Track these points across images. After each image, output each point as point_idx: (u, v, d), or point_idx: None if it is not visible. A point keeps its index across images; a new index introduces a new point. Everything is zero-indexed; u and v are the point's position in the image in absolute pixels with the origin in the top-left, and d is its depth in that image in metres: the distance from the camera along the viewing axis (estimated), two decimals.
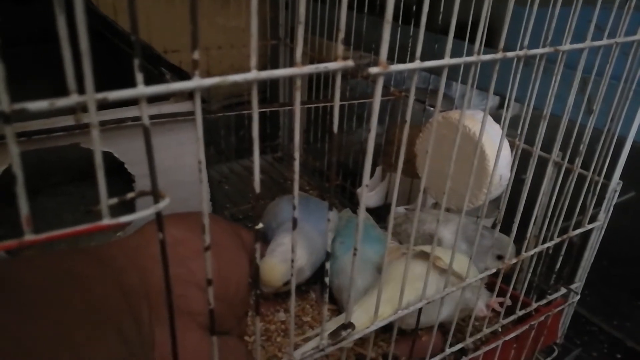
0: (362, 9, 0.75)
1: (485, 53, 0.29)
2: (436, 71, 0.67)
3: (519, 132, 0.41)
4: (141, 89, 0.19)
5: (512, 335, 0.48)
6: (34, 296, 0.25)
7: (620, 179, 0.50)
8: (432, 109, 0.71)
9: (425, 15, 0.26)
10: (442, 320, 0.45)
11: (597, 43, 0.37)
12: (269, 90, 1.01)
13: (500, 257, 0.52)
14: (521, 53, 0.32)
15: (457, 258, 0.37)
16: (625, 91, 0.44)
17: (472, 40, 0.59)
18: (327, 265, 0.29)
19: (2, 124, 0.16)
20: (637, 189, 1.00)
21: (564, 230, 0.49)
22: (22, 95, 0.16)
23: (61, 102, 0.17)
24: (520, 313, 0.49)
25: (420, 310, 0.39)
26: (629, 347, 0.66)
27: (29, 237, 0.18)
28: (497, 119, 0.54)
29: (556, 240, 0.48)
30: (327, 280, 0.29)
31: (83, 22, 0.16)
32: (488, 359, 0.48)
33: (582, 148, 0.45)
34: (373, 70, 0.24)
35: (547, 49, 0.33)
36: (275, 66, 0.96)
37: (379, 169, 0.80)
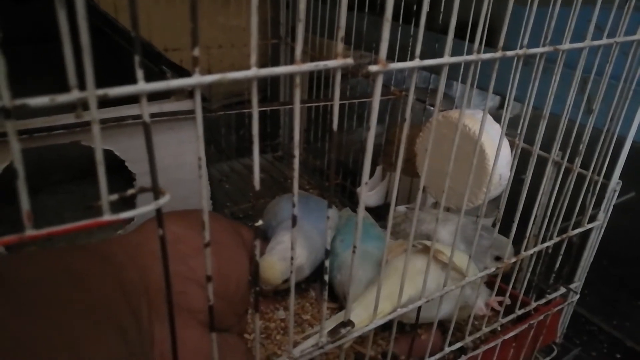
0: (363, 9, 0.75)
1: (485, 52, 0.29)
2: (436, 70, 0.67)
3: (518, 131, 0.41)
4: (141, 86, 0.19)
5: (511, 334, 0.49)
6: (33, 293, 0.25)
7: (620, 179, 0.50)
8: (432, 108, 0.71)
9: (425, 15, 0.26)
10: (442, 317, 0.45)
11: (596, 42, 0.37)
12: (270, 90, 1.01)
13: (498, 259, 0.52)
14: (521, 52, 0.32)
15: (457, 255, 0.38)
16: (625, 91, 0.44)
17: (472, 40, 0.59)
18: (327, 263, 0.29)
19: (3, 120, 0.16)
20: (637, 189, 1.00)
21: (563, 230, 0.49)
22: (21, 94, 0.17)
23: (62, 98, 0.17)
24: (519, 312, 0.49)
25: (419, 310, 0.39)
26: (628, 347, 0.66)
27: (30, 232, 0.18)
28: (497, 119, 0.54)
29: (555, 239, 0.48)
30: (326, 278, 0.29)
31: (84, 18, 0.16)
32: (487, 358, 0.48)
33: (582, 148, 0.45)
34: (372, 68, 0.24)
35: (546, 48, 0.33)
36: (276, 65, 0.96)
37: (379, 169, 0.80)
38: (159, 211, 0.21)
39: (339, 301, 0.57)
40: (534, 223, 0.45)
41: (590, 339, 0.67)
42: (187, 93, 0.56)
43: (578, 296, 0.56)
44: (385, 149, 0.79)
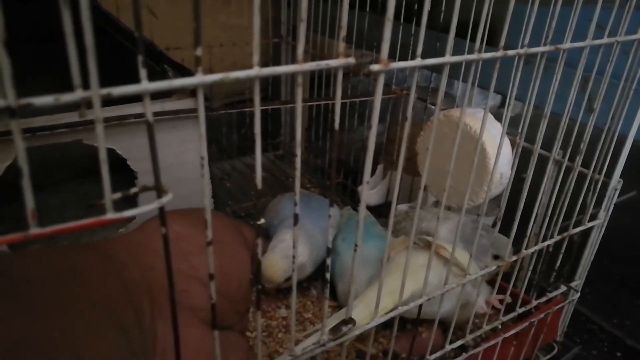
0: (364, 8, 0.75)
1: (486, 52, 0.30)
2: (438, 69, 0.68)
3: (519, 130, 0.41)
4: (144, 85, 0.19)
5: (511, 332, 0.49)
6: (35, 291, 0.25)
7: (621, 178, 0.50)
8: (433, 107, 0.71)
9: (426, 14, 0.26)
10: (443, 314, 0.45)
11: (597, 42, 0.37)
12: (271, 89, 1.01)
13: (497, 258, 0.52)
14: (522, 51, 0.32)
15: (458, 252, 0.38)
16: (626, 90, 0.44)
17: (473, 39, 0.59)
18: (328, 261, 0.29)
19: (7, 119, 0.16)
20: (638, 188, 1.00)
21: (564, 229, 0.49)
22: (23, 94, 0.17)
23: (66, 98, 0.17)
24: (520, 310, 0.49)
25: (420, 308, 0.39)
26: (629, 345, 0.66)
27: (34, 230, 0.18)
28: (498, 118, 0.54)
29: (556, 238, 0.48)
30: (327, 276, 0.29)
31: (88, 18, 0.16)
32: (488, 356, 0.48)
33: (583, 146, 0.45)
34: (374, 67, 0.25)
35: (547, 47, 0.33)
36: (277, 64, 0.96)
37: (380, 167, 0.80)
38: (161, 210, 0.22)
39: (339, 301, 0.57)
40: (534, 222, 0.45)
41: (590, 338, 0.67)
42: (189, 92, 0.56)
43: (579, 294, 0.56)
44: (386, 148, 0.79)
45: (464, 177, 0.50)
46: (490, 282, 0.48)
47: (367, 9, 0.75)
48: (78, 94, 0.17)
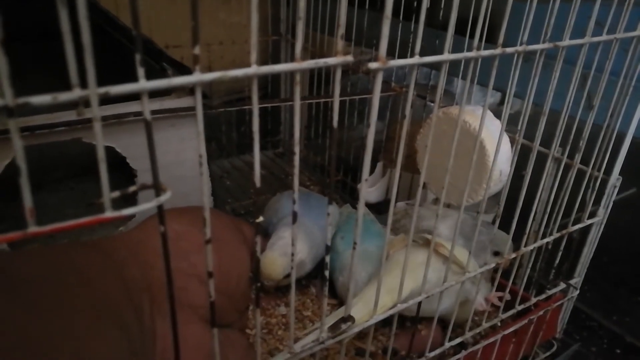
0: (363, 5, 0.75)
1: (485, 49, 0.30)
2: (437, 67, 0.68)
3: (519, 127, 0.41)
4: (143, 84, 0.19)
5: (511, 329, 0.49)
6: (35, 289, 0.25)
7: (620, 175, 0.50)
8: (432, 104, 0.71)
9: (424, 11, 0.26)
10: (442, 311, 0.45)
11: (596, 39, 0.37)
12: (270, 87, 1.01)
13: (497, 254, 0.52)
14: (520, 49, 0.32)
15: (457, 250, 0.38)
16: (625, 87, 0.44)
17: (472, 36, 0.59)
18: (327, 259, 0.29)
19: (5, 118, 0.16)
20: (638, 185, 1.00)
21: (563, 226, 0.49)
22: (21, 92, 0.17)
23: (64, 97, 0.17)
24: (519, 308, 0.49)
25: (419, 305, 0.39)
26: (628, 342, 0.66)
27: (33, 229, 0.18)
28: (498, 115, 0.54)
29: (555, 235, 0.48)
30: (326, 273, 0.30)
31: (85, 16, 0.16)
32: (487, 353, 0.48)
33: (582, 144, 0.45)
34: (372, 65, 0.25)
35: (546, 45, 0.33)
36: (276, 62, 0.96)
37: (379, 165, 0.80)
38: (160, 208, 0.22)
39: (340, 299, 0.57)
40: (534, 219, 0.45)
41: (590, 335, 0.67)
42: (188, 90, 0.56)
43: (578, 292, 0.56)
44: (385, 146, 0.79)
45: (463, 174, 0.50)
46: (490, 279, 0.48)
47: (367, 6, 0.75)
48: (76, 93, 0.17)
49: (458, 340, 0.45)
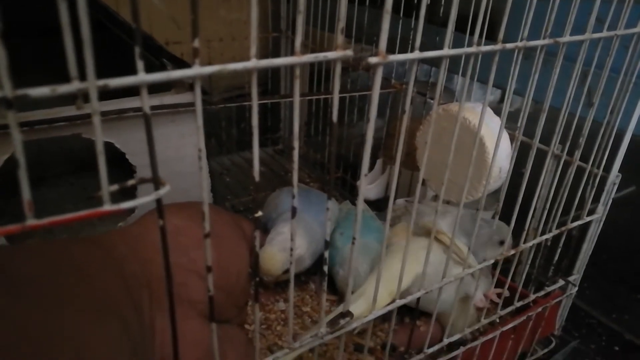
0: (364, 2, 0.75)
1: (486, 45, 0.29)
2: (437, 63, 0.67)
3: (519, 124, 0.41)
4: (142, 77, 0.19)
5: (509, 326, 0.49)
6: (34, 284, 0.25)
7: (620, 173, 0.50)
8: (433, 101, 0.71)
9: (425, 7, 0.26)
10: (442, 308, 0.45)
11: (597, 35, 0.37)
12: (270, 83, 1.01)
13: (502, 243, 0.52)
14: (521, 44, 0.32)
15: (457, 244, 0.38)
16: (625, 84, 0.44)
17: (473, 33, 0.59)
18: (326, 254, 0.29)
19: (4, 110, 0.16)
20: (637, 183, 1.00)
21: (562, 223, 0.49)
22: (23, 87, 0.17)
23: (63, 89, 0.17)
24: (518, 304, 0.49)
25: (418, 301, 0.39)
26: (627, 339, 0.66)
27: (31, 222, 0.18)
28: (498, 113, 0.54)
29: (555, 232, 0.48)
30: (325, 269, 0.30)
31: (85, 10, 0.16)
32: (486, 350, 0.48)
33: (582, 140, 0.45)
34: (372, 60, 0.25)
35: (547, 41, 0.33)
36: (276, 58, 0.96)
37: (379, 162, 0.80)
38: (159, 201, 0.22)
39: (339, 294, 0.57)
40: (533, 216, 0.45)
41: (589, 332, 0.67)
42: (188, 86, 0.56)
43: (576, 289, 0.56)
44: (385, 142, 0.79)
45: (463, 171, 0.50)
46: (489, 273, 0.48)
47: (367, 3, 0.75)
48: (75, 85, 0.17)
49: (457, 336, 0.45)
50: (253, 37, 0.21)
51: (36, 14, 0.76)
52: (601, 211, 0.52)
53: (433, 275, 0.40)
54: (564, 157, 0.46)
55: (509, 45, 0.31)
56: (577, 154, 0.46)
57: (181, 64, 0.58)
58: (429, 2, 0.26)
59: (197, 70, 0.20)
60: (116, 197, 0.20)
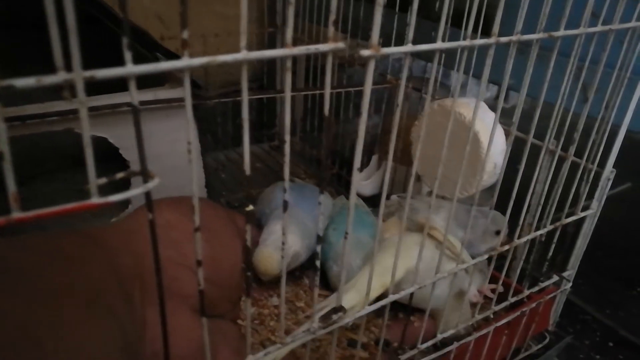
0: None
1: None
2: (432, 58, 0.67)
3: (514, 120, 0.41)
4: (129, 68, 0.19)
5: (503, 321, 0.49)
6: (23, 277, 0.25)
7: (615, 169, 0.50)
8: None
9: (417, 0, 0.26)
10: (435, 303, 0.45)
11: (591, 29, 0.37)
12: (266, 78, 1.01)
13: (498, 233, 0.52)
14: (514, 38, 0.31)
15: (450, 239, 0.38)
16: (620, 79, 0.44)
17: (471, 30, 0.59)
18: (318, 249, 0.29)
19: None
20: (633, 180, 1.01)
21: (557, 219, 0.49)
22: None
23: (48, 80, 0.17)
24: (512, 300, 0.49)
25: (415, 285, 0.39)
26: (621, 335, 0.66)
27: (17, 214, 0.18)
28: (495, 109, 0.54)
29: (549, 227, 0.48)
30: (318, 263, 0.29)
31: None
32: (479, 345, 0.48)
33: (576, 136, 0.45)
34: (364, 53, 0.24)
35: (541, 35, 0.33)
36: None
37: (375, 158, 0.80)
38: (148, 195, 0.21)
39: (333, 289, 0.57)
40: (527, 211, 0.45)
41: (583, 328, 0.67)
42: (182, 81, 0.56)
43: (571, 284, 0.56)
44: (381, 139, 0.79)
45: (458, 167, 0.50)
46: (485, 267, 0.48)
47: None
48: (61, 76, 0.17)
49: (450, 331, 0.45)
50: (243, 28, 0.21)
51: (36, 5, 0.75)
52: (595, 207, 0.52)
53: (426, 271, 0.40)
54: (559, 152, 0.46)
55: (503, 39, 0.31)
56: (572, 150, 0.46)
57: (176, 58, 0.57)
58: None
59: (185, 62, 0.20)
60: (109, 191, 0.19)
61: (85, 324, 0.26)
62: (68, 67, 0.17)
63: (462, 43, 0.29)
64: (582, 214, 0.51)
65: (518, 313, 0.50)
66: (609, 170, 0.50)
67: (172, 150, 0.56)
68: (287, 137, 0.25)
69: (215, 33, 0.90)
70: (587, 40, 0.38)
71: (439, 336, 0.44)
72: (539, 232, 0.48)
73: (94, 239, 0.32)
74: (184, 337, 0.33)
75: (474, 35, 0.29)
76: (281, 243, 0.50)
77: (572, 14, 0.35)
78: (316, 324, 0.32)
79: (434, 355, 0.45)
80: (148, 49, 0.60)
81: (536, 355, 0.59)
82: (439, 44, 0.27)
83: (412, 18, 0.26)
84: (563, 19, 0.35)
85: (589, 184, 0.49)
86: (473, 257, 0.44)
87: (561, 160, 0.47)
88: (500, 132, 0.51)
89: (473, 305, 0.49)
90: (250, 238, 0.25)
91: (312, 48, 0.23)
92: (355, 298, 0.39)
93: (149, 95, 0.53)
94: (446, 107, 0.54)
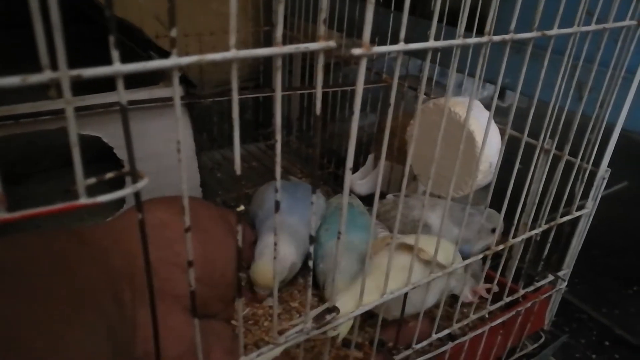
0: None
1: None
2: (425, 57, 0.67)
3: (509, 119, 0.41)
4: (117, 67, 0.19)
5: (499, 321, 0.49)
6: (13, 276, 0.25)
7: (611, 169, 0.50)
8: (427, 97, 0.70)
9: None
10: (428, 307, 0.45)
11: (586, 28, 0.36)
12: (262, 77, 1.01)
13: (494, 230, 0.52)
14: (508, 37, 0.31)
15: (442, 246, 0.37)
16: (615, 78, 0.44)
17: (466, 29, 0.59)
18: (311, 249, 0.29)
19: None
20: (629, 179, 1.01)
21: (552, 218, 0.49)
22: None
23: (34, 79, 0.17)
24: (507, 299, 0.49)
25: (405, 297, 0.39)
26: (617, 334, 0.66)
27: (2, 215, 0.18)
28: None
29: (544, 226, 0.48)
30: (310, 264, 0.29)
31: None
32: (475, 345, 0.48)
33: (571, 135, 0.45)
34: (356, 51, 0.24)
35: (535, 33, 0.33)
36: None
37: (370, 157, 0.79)
38: (137, 195, 0.21)
39: (319, 287, 0.56)
40: (523, 210, 0.45)
41: (579, 327, 0.67)
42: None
43: (566, 283, 0.56)
44: (377, 138, 0.79)
45: (453, 166, 0.50)
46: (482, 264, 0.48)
47: None
48: (46, 75, 0.17)
49: (446, 331, 0.45)
50: (232, 26, 0.21)
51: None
52: (590, 206, 0.52)
53: (415, 294, 0.40)
54: (553, 151, 0.46)
55: (496, 38, 0.31)
56: (567, 148, 0.46)
57: (168, 56, 0.57)
58: None
59: (174, 60, 0.20)
60: (105, 191, 0.19)
61: (72, 323, 0.26)
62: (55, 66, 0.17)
63: (455, 42, 0.29)
64: (577, 214, 0.51)
65: (513, 312, 0.50)
66: (603, 170, 0.49)
67: (167, 149, 0.56)
68: (278, 137, 0.24)
69: (211, 31, 0.90)
70: (582, 39, 0.38)
71: (434, 336, 0.44)
72: (534, 232, 0.47)
73: (84, 239, 0.32)
74: (177, 337, 0.33)
75: (469, 34, 0.29)
76: (277, 254, 0.50)
77: (566, 12, 0.35)
78: (309, 325, 0.31)
79: (429, 355, 0.44)
80: (142, 47, 0.59)
81: (532, 355, 0.59)
82: (431, 43, 0.27)
83: (405, 16, 0.26)
84: (557, 18, 0.34)
85: (584, 183, 0.49)
86: (469, 257, 0.44)
87: (556, 159, 0.47)
88: (495, 131, 0.51)
89: (469, 305, 0.49)
90: (242, 238, 0.25)
91: (302, 47, 0.23)
92: (348, 304, 0.39)
93: (143, 94, 0.53)
94: (441, 106, 0.54)
